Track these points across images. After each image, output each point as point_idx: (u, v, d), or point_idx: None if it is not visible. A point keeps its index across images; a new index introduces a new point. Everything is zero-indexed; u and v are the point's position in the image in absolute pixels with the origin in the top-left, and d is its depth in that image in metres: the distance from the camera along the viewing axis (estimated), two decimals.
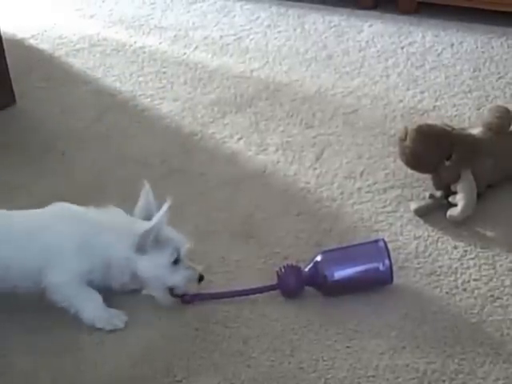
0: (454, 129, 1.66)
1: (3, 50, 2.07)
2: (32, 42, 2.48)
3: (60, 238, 1.34)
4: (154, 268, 1.35)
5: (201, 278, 1.39)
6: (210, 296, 1.41)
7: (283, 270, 1.42)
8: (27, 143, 1.96)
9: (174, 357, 1.31)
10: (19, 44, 2.45)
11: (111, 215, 1.39)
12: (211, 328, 1.36)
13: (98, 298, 1.36)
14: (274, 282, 1.42)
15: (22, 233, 1.36)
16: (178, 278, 1.36)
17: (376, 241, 1.44)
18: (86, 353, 1.32)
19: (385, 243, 1.42)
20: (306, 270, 1.42)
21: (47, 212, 1.40)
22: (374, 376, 1.25)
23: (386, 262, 1.39)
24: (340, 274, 1.40)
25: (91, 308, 1.35)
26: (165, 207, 1.34)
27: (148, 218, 1.38)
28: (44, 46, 2.45)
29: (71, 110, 2.10)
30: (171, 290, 1.38)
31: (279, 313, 1.39)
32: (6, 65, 2.08)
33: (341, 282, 1.40)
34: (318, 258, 1.42)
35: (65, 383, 1.26)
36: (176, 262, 1.36)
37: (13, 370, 1.30)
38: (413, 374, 1.25)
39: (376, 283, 1.42)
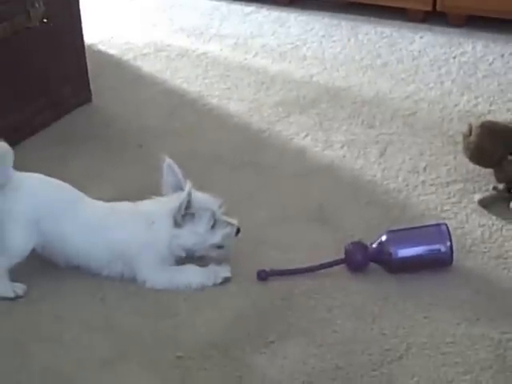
0: None
1: (84, 52, 2.23)
2: (101, 47, 2.63)
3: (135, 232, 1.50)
4: (194, 237, 1.49)
5: (238, 231, 1.52)
6: (283, 272, 1.51)
7: (351, 245, 1.53)
8: (106, 136, 2.09)
9: (264, 323, 1.42)
10: (89, 49, 2.58)
11: (150, 205, 1.53)
12: (296, 299, 1.47)
13: (190, 266, 1.50)
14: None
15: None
16: (217, 238, 1.51)
17: (438, 224, 1.55)
18: (182, 317, 1.43)
19: (447, 226, 1.52)
20: (373, 246, 1.53)
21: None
22: (452, 342, 1.35)
23: (448, 243, 1.50)
24: (404, 252, 1.51)
25: (193, 276, 1.48)
26: (188, 186, 1.47)
27: (177, 187, 1.52)
28: (112, 51, 2.60)
29: (144, 107, 2.24)
30: (218, 247, 1.52)
31: (358, 286, 1.49)
32: (86, 64, 2.24)
33: (404, 259, 1.51)
34: (384, 237, 1.53)
35: (164, 343, 1.37)
36: (214, 225, 1.50)
37: (118, 329, 1.41)
38: (488, 342, 1.35)
39: (437, 264, 1.52)
